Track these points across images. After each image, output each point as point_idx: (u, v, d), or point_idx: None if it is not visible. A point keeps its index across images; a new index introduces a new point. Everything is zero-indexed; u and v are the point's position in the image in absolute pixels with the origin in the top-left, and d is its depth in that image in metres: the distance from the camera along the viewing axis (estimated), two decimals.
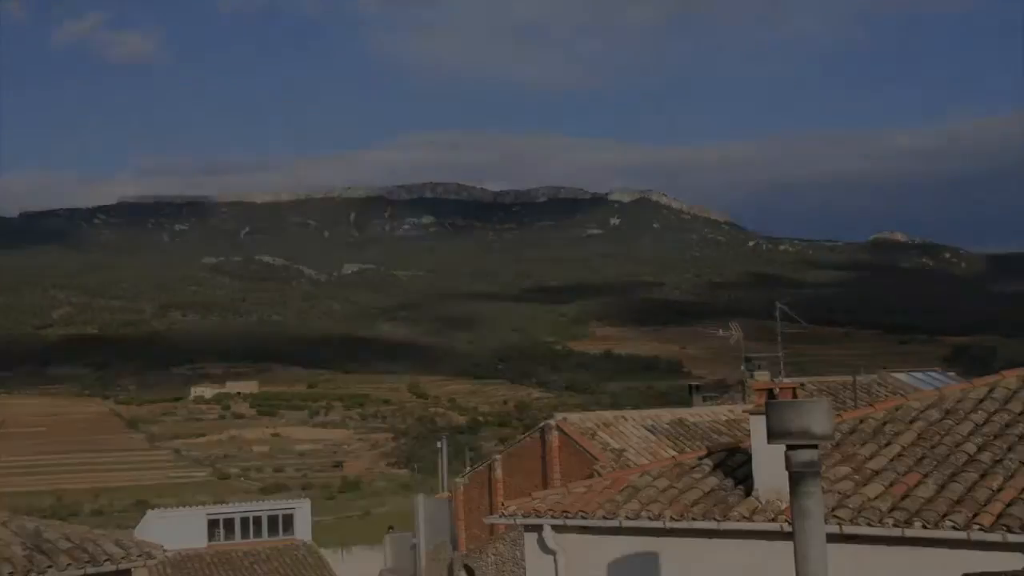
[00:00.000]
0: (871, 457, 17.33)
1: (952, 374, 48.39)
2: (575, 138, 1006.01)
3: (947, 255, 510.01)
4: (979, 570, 12.86)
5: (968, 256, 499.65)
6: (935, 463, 16.61)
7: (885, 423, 18.38)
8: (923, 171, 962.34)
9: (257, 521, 56.02)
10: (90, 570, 19.91)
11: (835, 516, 15.61)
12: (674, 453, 30.86)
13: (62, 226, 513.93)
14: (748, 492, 17.71)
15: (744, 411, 24.86)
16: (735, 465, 18.79)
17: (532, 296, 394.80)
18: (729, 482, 18.32)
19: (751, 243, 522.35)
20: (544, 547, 19.83)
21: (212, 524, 55.17)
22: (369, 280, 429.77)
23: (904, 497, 15.86)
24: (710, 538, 17.76)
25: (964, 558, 14.41)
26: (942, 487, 15.89)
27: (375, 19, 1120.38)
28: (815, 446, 9.25)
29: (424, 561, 52.04)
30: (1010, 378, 18.96)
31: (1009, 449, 16.63)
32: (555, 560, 19.71)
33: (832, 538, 11.76)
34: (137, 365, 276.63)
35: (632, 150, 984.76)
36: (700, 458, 19.72)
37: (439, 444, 70.27)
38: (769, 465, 16.73)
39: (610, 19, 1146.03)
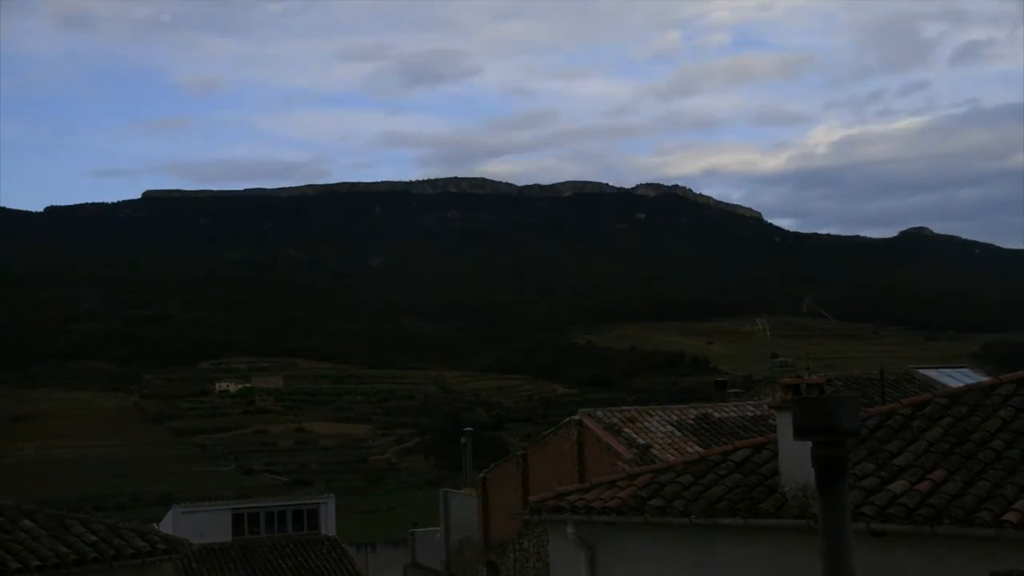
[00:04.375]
0: (898, 453, 17.24)
1: (981, 371, 48.15)
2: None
3: (976, 250, 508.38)
4: (1007, 568, 12.77)
5: (997, 251, 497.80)
6: (962, 460, 16.50)
7: (912, 419, 18.27)
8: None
9: (282, 516, 56.15)
10: (116, 563, 19.97)
11: (861, 513, 15.52)
12: (700, 449, 30.80)
13: (88, 220, 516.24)
14: (774, 489, 17.64)
15: (771, 407, 24.78)
16: (761, 461, 18.72)
17: (558, 291, 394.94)
18: (755, 478, 18.24)
19: (778, 238, 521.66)
20: (568, 543, 19.81)
21: (237, 519, 55.31)
22: (393, 275, 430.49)
23: (931, 494, 15.76)
24: (735, 534, 17.70)
25: (991, 556, 14.31)
26: (969, 484, 15.78)
27: None
28: (842, 442, 9.18)
29: (448, 556, 52.12)
30: None
31: None
32: (579, 556, 19.69)
33: (859, 535, 11.68)
34: (162, 359, 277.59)
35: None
36: (726, 454, 19.65)
37: (464, 440, 70.40)
38: (795, 461, 16.68)
39: None
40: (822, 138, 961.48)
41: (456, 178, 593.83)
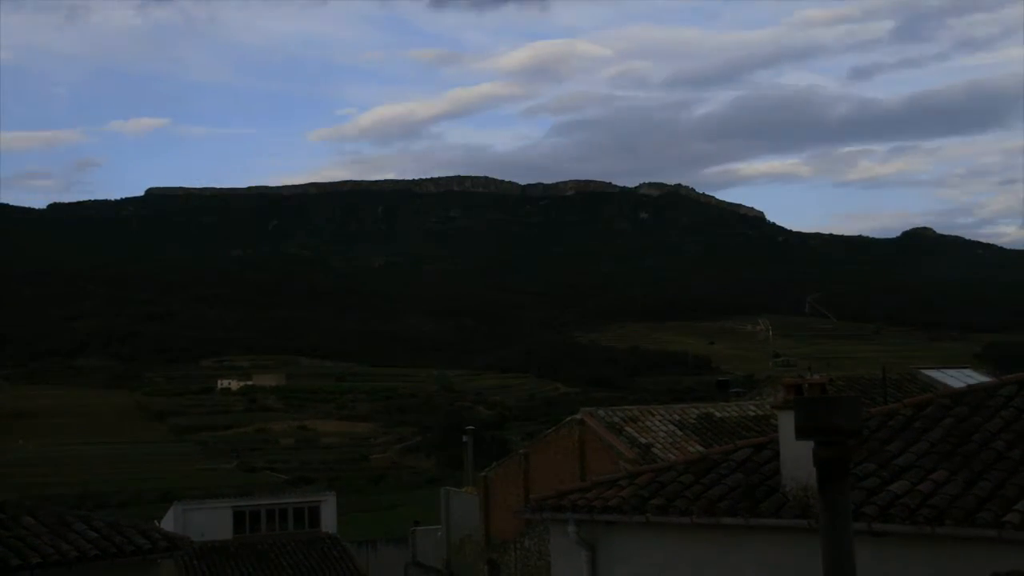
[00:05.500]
0: (899, 454, 17.21)
1: (983, 371, 48.12)
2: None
3: (979, 251, 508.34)
4: (1008, 569, 12.75)
5: (1000, 251, 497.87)
6: (964, 460, 16.47)
7: (914, 419, 18.24)
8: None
9: (283, 514, 56.13)
10: (117, 561, 19.96)
11: (863, 513, 15.50)
12: (701, 448, 30.78)
13: (90, 217, 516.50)
14: (775, 488, 17.61)
15: (772, 407, 24.76)
16: (763, 461, 18.68)
17: (559, 290, 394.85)
18: (756, 478, 18.22)
19: (780, 238, 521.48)
20: (570, 542, 19.79)
21: (238, 516, 55.30)
22: (397, 273, 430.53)
23: (932, 494, 15.74)
24: (737, 534, 17.68)
25: (992, 556, 14.29)
26: (970, 484, 15.75)
27: None
28: (843, 442, 9.17)
29: (449, 555, 52.10)
30: None
31: None
32: (581, 555, 19.68)
33: (860, 535, 11.67)
34: (164, 357, 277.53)
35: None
36: (727, 453, 19.62)
37: (465, 438, 70.32)
38: (797, 461, 16.65)
39: None
40: None
41: (459, 176, 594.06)
